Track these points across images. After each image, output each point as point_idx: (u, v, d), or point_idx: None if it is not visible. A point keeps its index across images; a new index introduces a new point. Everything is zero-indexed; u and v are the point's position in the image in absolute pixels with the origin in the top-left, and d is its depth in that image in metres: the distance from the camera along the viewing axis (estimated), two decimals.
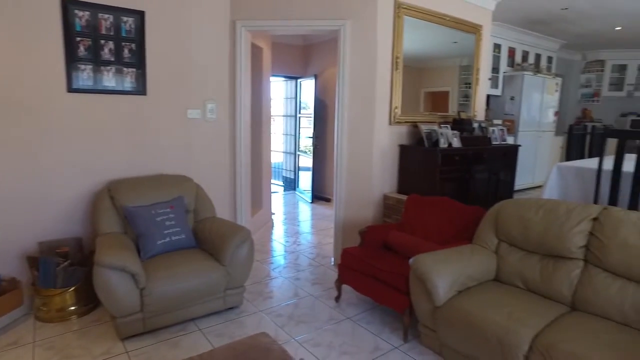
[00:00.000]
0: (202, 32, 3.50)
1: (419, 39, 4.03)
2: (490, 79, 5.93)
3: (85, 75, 2.96)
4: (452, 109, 4.47)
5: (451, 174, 3.70)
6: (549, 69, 7.01)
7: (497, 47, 6.07)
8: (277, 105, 7.57)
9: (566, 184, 3.22)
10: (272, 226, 5.18)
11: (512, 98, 6.09)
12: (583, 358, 1.73)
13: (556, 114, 6.76)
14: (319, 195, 6.62)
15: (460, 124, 4.02)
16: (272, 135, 6.80)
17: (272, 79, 6.15)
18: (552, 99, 6.64)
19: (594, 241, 2.23)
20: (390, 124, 3.75)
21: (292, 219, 5.60)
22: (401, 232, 3.18)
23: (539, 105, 6.38)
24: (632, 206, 2.80)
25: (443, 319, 2.27)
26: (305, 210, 6.09)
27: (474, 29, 4.44)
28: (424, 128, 3.77)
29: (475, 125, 4.34)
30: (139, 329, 2.51)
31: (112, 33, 3.04)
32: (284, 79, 7.02)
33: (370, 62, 3.56)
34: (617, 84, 8.04)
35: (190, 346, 2.49)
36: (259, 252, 4.17)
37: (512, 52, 6.34)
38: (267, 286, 3.41)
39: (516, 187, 6.00)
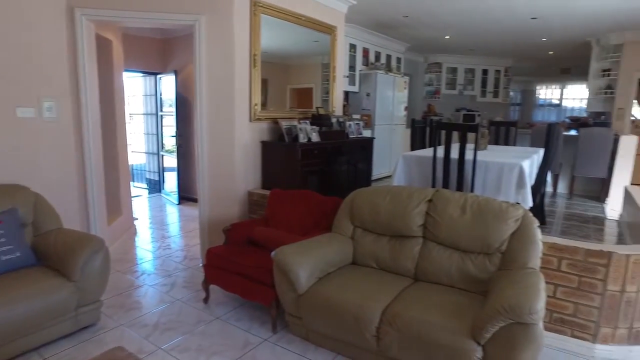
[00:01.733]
0: (32, 18, 3.06)
1: (280, 36, 4.15)
2: (347, 76, 6.37)
3: None
4: (317, 105, 4.72)
5: (312, 167, 3.89)
6: (398, 68, 7.80)
7: (353, 47, 6.53)
8: (136, 102, 7.03)
9: (411, 171, 3.64)
10: (135, 233, 4.81)
11: (368, 94, 6.64)
12: (419, 319, 2.02)
13: (406, 109, 7.57)
14: (186, 195, 6.36)
15: (319, 120, 4.24)
16: (130, 135, 6.31)
17: (127, 74, 5.69)
18: (402, 95, 7.42)
19: (429, 219, 2.58)
20: (250, 120, 3.78)
21: (158, 222, 5.28)
22: (265, 227, 3.25)
23: (391, 101, 7.07)
24: (459, 187, 3.30)
25: (306, 305, 2.39)
26: (172, 213, 5.79)
27: (329, 30, 4.70)
28: (284, 124, 3.89)
29: (334, 120, 4.62)
30: None
31: None
32: (142, 74, 6.54)
33: (228, 59, 3.53)
34: (451, 84, 9.36)
35: None
36: (120, 262, 3.85)
37: (366, 52, 6.90)
38: (130, 297, 3.17)
39: (374, 177, 6.57)
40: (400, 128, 7.59)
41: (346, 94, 6.91)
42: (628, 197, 4.45)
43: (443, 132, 3.50)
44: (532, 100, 10.57)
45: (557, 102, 10.42)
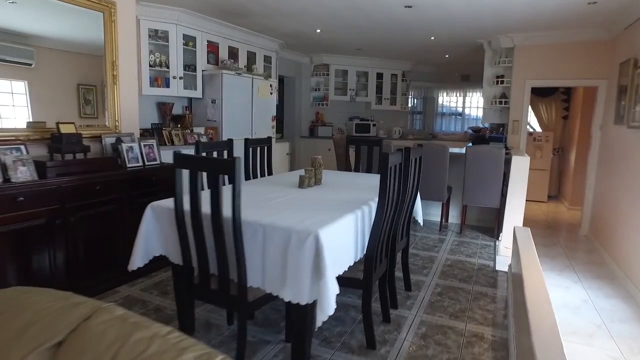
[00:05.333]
0: None
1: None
2: (181, 77, 4.85)
3: None
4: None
5: (19, 224, 2.30)
6: (267, 69, 6.39)
7: (190, 39, 5.01)
8: None
9: (164, 231, 2.19)
10: None
11: (213, 101, 5.14)
12: None
13: (274, 118, 6.17)
14: None
15: (60, 142, 2.67)
16: None
17: None
18: (268, 102, 6.00)
19: None
20: None
21: None
22: None
23: (250, 110, 5.62)
24: (220, 267, 1.89)
25: None
26: None
27: (99, 6, 3.16)
28: None
29: (109, 141, 3.09)
30: None
31: None
32: None
33: None
34: (342, 89, 8.13)
35: None
36: None
37: (214, 47, 5.41)
38: None
39: None
40: None
41: (190, 100, 5.39)
42: (515, 242, 3.36)
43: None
44: (434, 108, 9.70)
45: (460, 110, 9.66)
